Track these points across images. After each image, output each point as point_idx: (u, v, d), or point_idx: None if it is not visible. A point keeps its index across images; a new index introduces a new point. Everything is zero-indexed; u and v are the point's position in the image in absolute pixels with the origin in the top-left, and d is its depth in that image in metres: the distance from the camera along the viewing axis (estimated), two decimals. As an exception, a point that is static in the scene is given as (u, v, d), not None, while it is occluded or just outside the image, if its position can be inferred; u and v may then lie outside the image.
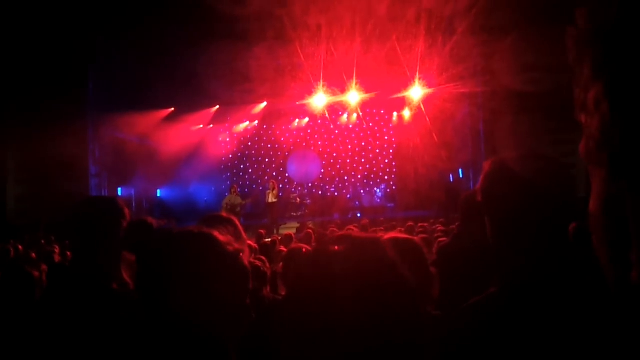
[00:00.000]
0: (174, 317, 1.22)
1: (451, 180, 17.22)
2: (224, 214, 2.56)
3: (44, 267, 4.65)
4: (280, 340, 0.96)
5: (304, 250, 3.30)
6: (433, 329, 1.14)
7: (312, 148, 20.11)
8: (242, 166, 20.50)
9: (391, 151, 20.05)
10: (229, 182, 19.19)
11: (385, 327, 0.90)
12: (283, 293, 3.25)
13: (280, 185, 17.89)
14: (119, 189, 15.33)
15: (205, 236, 1.29)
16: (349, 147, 19.84)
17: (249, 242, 5.86)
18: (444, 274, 2.45)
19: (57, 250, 6.48)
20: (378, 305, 0.91)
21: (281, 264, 3.46)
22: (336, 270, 0.93)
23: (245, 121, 18.84)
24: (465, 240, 2.82)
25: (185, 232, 1.30)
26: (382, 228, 8.94)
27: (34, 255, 5.89)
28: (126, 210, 2.06)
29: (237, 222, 2.48)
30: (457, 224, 7.98)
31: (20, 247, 6.78)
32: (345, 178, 19.97)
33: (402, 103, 16.85)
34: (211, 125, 18.30)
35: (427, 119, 15.46)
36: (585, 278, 1.31)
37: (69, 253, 6.09)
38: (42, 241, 8.57)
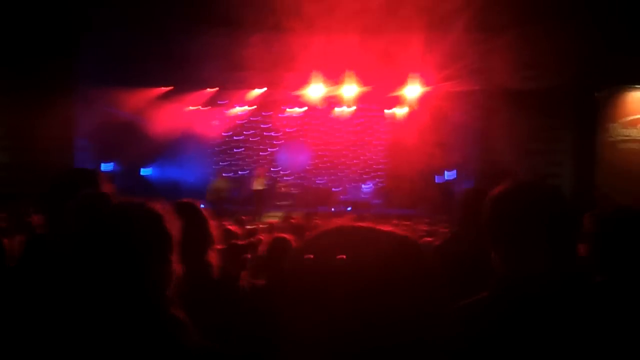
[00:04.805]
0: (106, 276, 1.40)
1: (444, 179, 17.21)
2: (188, 200, 2.52)
3: (21, 237, 4.56)
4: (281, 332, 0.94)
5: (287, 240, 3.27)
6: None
7: (303, 139, 20.05)
8: (230, 151, 20.37)
9: (382, 148, 20.04)
10: (216, 166, 19.07)
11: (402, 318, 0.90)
12: (264, 281, 3.20)
13: (268, 174, 17.81)
14: (103, 164, 15.12)
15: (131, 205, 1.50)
16: (340, 141, 19.81)
17: (231, 227, 5.83)
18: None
19: (36, 221, 6.37)
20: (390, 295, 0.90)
21: (264, 252, 3.43)
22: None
23: (239, 106, 18.70)
24: (461, 242, 2.78)
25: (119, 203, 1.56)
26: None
27: (3, 224, 5.80)
28: (106, 184, 2.01)
29: (203, 211, 2.46)
30: (444, 224, 8.00)
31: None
32: (333, 171, 19.96)
33: (396, 101, 16.83)
34: (204, 108, 18.13)
35: (421, 117, 15.46)
36: (579, 289, 1.33)
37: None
38: (22, 210, 8.43)
